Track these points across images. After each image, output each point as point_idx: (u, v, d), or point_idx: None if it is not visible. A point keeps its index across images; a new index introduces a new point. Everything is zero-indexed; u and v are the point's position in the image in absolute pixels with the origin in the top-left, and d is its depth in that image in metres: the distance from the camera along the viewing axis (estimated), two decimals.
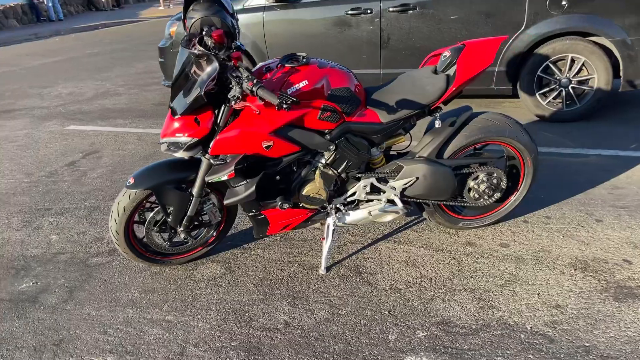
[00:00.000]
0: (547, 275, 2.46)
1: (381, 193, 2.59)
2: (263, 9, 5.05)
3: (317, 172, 2.43)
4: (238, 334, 2.21)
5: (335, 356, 2.06)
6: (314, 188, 2.43)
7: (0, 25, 16.23)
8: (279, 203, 2.40)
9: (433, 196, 2.60)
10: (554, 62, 4.42)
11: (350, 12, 4.75)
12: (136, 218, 2.51)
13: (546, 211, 3.04)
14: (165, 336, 2.22)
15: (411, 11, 4.59)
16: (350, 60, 4.92)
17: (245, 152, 2.25)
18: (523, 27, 4.38)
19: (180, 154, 2.27)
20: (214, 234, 2.71)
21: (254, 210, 2.45)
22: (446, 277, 2.50)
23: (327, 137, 2.35)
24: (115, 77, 8.15)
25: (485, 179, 2.66)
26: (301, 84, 2.22)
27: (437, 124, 2.53)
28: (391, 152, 2.70)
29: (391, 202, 2.61)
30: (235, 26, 2.36)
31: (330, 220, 2.61)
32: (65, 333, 2.28)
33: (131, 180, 2.37)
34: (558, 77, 4.43)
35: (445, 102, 2.55)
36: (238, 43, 2.27)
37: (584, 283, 2.38)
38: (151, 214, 2.47)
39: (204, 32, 2.19)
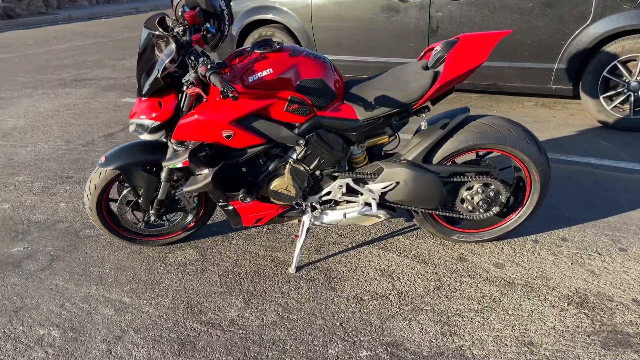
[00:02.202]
0: (534, 306, 2.16)
1: (359, 195, 2.40)
2: None
3: (287, 167, 2.29)
4: (181, 325, 2.16)
5: None
6: (282, 184, 2.30)
7: None
8: (240, 196, 2.30)
9: (417, 204, 2.37)
10: (623, 63, 3.89)
11: None
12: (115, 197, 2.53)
13: (565, 232, 2.68)
14: (113, 317, 2.22)
15: None
16: (396, 48, 4.66)
17: (204, 140, 2.16)
18: (589, 21, 3.89)
19: (145, 137, 2.24)
20: (193, 219, 2.67)
21: (221, 201, 2.36)
22: (418, 294, 2.28)
23: (296, 131, 2.20)
24: None
25: (480, 190, 2.38)
26: (264, 72, 2.09)
27: (423, 125, 2.29)
28: (377, 152, 2.49)
29: (370, 205, 2.41)
30: (224, 9, 2.27)
31: (305, 219, 2.47)
32: (28, 301, 2.35)
33: (103, 159, 2.38)
34: (627, 80, 3.90)
35: (433, 102, 2.30)
36: (208, 26, 2.17)
37: (573, 321, 2.07)
38: (124, 193, 2.48)
39: (179, 13, 2.14)
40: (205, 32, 2.17)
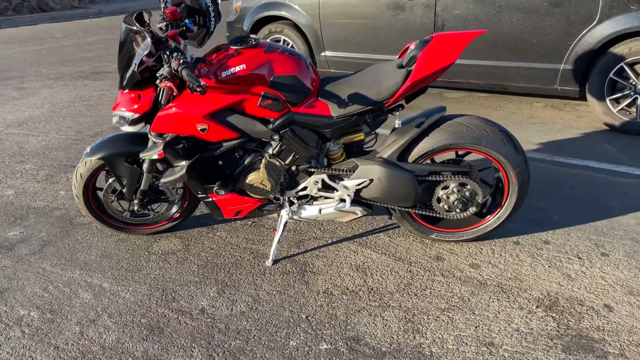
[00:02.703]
0: (501, 307, 2.16)
1: (335, 191, 2.43)
2: None
3: (263, 161, 2.33)
4: (153, 311, 2.23)
5: (226, 352, 1.99)
6: (258, 178, 2.34)
7: None
8: (215, 189, 2.36)
9: (392, 201, 2.38)
10: (631, 65, 3.80)
11: None
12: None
13: (548, 235, 2.65)
14: (90, 302, 2.31)
15: None
16: (402, 46, 4.65)
17: (180, 133, 2.22)
18: (596, 21, 3.82)
19: (126, 128, 2.31)
20: (178, 210, 2.74)
21: (199, 193, 2.42)
22: (388, 290, 2.30)
23: (271, 126, 2.24)
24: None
25: (455, 190, 2.38)
26: (237, 68, 2.13)
27: (397, 123, 2.30)
28: (356, 149, 2.51)
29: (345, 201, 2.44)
30: (209, 5, 2.33)
31: (283, 213, 2.51)
32: (15, 283, 2.46)
33: (88, 149, 2.47)
34: (634, 82, 3.81)
35: (408, 100, 2.31)
36: (187, 22, 2.23)
37: (539, 324, 2.06)
38: (109, 182, 2.56)
39: (162, 6, 2.21)
40: (184, 28, 2.24)
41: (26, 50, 9.00)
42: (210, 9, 2.40)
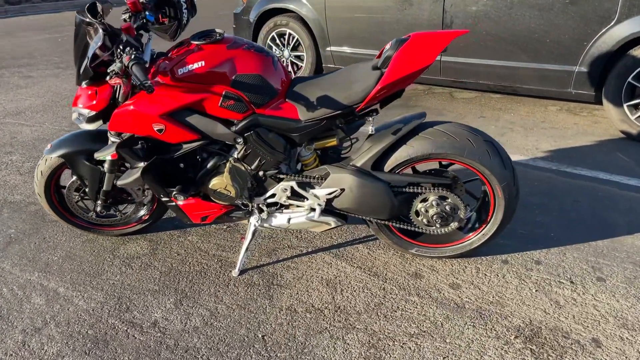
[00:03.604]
0: (476, 335, 1.96)
1: (305, 200, 2.26)
2: None
3: (227, 165, 2.17)
4: (103, 322, 2.10)
5: None
6: (222, 183, 2.18)
7: None
8: (174, 193, 2.21)
9: (365, 213, 2.20)
10: None
11: None
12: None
13: (541, 254, 2.43)
14: (41, 308, 2.19)
15: None
16: None
17: (135, 133, 2.08)
18: (614, 21, 3.53)
19: (84, 126, 2.18)
20: (147, 212, 2.60)
21: (162, 197, 2.28)
22: (356, 310, 2.12)
23: (234, 128, 2.08)
24: None
25: (434, 203, 2.18)
26: (195, 65, 1.97)
27: (370, 130, 2.11)
28: (332, 154, 2.33)
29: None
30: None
31: (252, 220, 2.35)
32: None
33: (49, 146, 2.35)
34: None
35: (383, 104, 2.12)
36: (147, 14, 2.08)
37: (514, 357, 1.85)
38: (71, 180, 2.44)
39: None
40: (144, 21, 2.09)
41: (43, 38, 9.03)
42: (182, 0, 2.24)
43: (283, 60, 5.28)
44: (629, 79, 3.59)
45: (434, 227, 2.24)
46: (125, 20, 2.12)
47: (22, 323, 2.10)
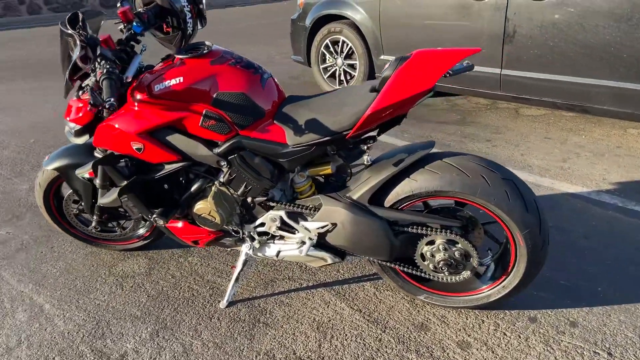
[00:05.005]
0: None
1: (296, 232, 2.02)
2: None
3: (213, 189, 1.99)
4: (73, 348, 1.98)
5: None
6: (206, 208, 2.00)
7: None
8: (154, 216, 2.05)
9: (361, 252, 1.93)
10: None
11: None
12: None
13: (580, 313, 2.03)
14: (21, 325, 2.12)
15: None
16: None
17: (115, 150, 1.95)
18: None
19: (72, 140, 2.08)
20: (148, 229, 2.49)
21: (149, 217, 2.14)
22: None
23: (217, 150, 1.89)
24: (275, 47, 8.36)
25: (442, 247, 1.86)
26: (173, 81, 1.80)
27: (366, 159, 1.84)
28: (333, 182, 2.08)
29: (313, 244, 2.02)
30: (184, 6, 2.04)
31: (243, 248, 2.16)
32: None
33: (47, 157, 2.29)
34: None
35: (381, 131, 1.83)
36: (134, 25, 1.94)
37: None
38: (68, 193, 2.37)
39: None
40: (132, 32, 1.96)
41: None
42: (186, 9, 2.09)
43: (336, 69, 5.06)
44: None
45: (442, 274, 1.92)
46: (121, 30, 2.01)
47: None
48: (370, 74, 4.84)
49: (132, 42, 2.00)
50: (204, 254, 2.55)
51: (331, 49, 5.04)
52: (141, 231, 2.50)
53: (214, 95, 1.81)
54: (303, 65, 5.46)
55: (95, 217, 2.33)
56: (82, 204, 2.33)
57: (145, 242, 2.53)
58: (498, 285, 1.94)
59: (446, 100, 4.92)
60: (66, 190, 2.42)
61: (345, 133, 1.75)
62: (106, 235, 2.53)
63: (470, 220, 1.90)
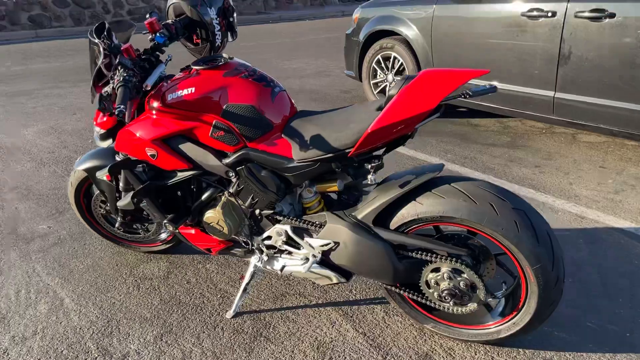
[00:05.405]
0: None
1: (301, 248, 2.00)
2: (435, 1, 4.38)
3: (222, 199, 2.01)
4: (82, 344, 2.05)
5: None
6: (214, 217, 2.03)
7: (322, 1, 18.38)
8: (165, 221, 2.10)
9: (364, 273, 1.88)
10: None
11: (527, 13, 3.71)
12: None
13: (602, 359, 1.87)
14: (40, 317, 2.23)
15: (607, 19, 3.31)
16: (518, 74, 3.89)
17: (132, 155, 2.02)
18: None
19: (98, 143, 2.18)
20: (169, 233, 2.55)
21: (162, 222, 2.19)
22: None
23: (225, 160, 1.91)
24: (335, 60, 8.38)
25: (447, 276, 1.78)
26: (185, 92, 1.85)
27: (370, 179, 1.79)
28: (344, 199, 2.04)
29: (317, 261, 1.99)
30: (213, 18, 2.11)
31: (252, 260, 2.17)
32: (1, 278, 2.51)
33: (78, 159, 2.41)
34: None
35: (387, 150, 1.78)
36: (157, 35, 2.01)
37: None
38: (96, 193, 2.48)
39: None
40: (155, 43, 2.03)
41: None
42: (215, 22, 2.14)
43: (386, 85, 5.01)
44: None
45: (447, 304, 1.83)
46: (150, 40, 2.09)
47: (16, 329, 2.15)
48: None
49: (157, 52, 2.07)
50: (222, 262, 2.58)
51: (382, 64, 5.00)
52: (163, 235, 2.56)
53: (224, 107, 1.83)
54: (356, 80, 5.45)
55: (119, 218, 2.42)
56: (108, 204, 2.42)
57: (168, 245, 2.59)
58: (508, 321, 1.82)
59: (498, 122, 4.74)
60: (96, 191, 2.52)
61: (347, 151, 1.71)
62: (131, 237, 2.61)
63: (481, 250, 1.80)
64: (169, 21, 2.09)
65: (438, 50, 4.40)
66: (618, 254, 2.53)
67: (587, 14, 3.38)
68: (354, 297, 2.28)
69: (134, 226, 2.53)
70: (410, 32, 4.59)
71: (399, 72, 4.87)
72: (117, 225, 2.41)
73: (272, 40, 11.02)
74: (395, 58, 4.84)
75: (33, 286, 2.44)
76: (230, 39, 2.23)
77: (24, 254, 2.73)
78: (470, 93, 1.64)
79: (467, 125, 4.69)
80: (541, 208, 3.03)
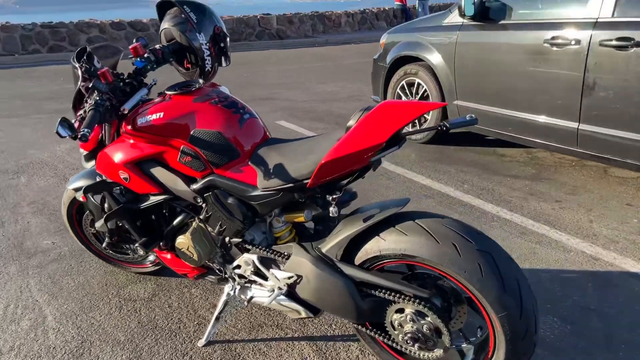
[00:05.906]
0: None
1: (268, 279, 1.94)
2: (459, 27, 4.28)
3: (193, 225, 1.99)
4: None
5: None
6: (185, 243, 2.00)
7: (370, 25, 18.45)
8: (136, 245, 2.09)
9: (328, 309, 1.79)
10: None
11: (551, 40, 3.56)
12: None
13: None
14: (19, 334, 2.25)
15: (634, 48, 3.12)
16: (541, 104, 3.72)
17: (108, 177, 2.03)
18: None
19: (83, 164, 2.22)
20: (156, 256, 2.55)
21: (134, 245, 2.19)
22: None
23: (193, 186, 1.89)
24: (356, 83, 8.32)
25: (409, 319, 1.67)
26: (153, 116, 1.85)
27: (331, 212, 1.71)
28: (319, 229, 1.97)
29: (284, 293, 1.93)
30: (202, 43, 2.12)
31: (226, 288, 2.12)
32: None
33: (70, 179, 2.46)
34: None
35: (350, 181, 1.70)
36: (138, 60, 2.03)
37: None
38: (86, 213, 2.51)
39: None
40: (135, 67, 2.05)
41: (235, 73, 10.00)
42: (205, 47, 2.15)
43: None
44: None
45: (412, 348, 1.71)
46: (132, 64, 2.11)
47: None
48: (443, 118, 4.63)
49: (140, 77, 2.09)
50: (208, 288, 2.54)
51: (407, 90, 4.91)
52: (152, 257, 2.56)
53: (191, 132, 1.81)
54: None
55: (106, 238, 2.44)
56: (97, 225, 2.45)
57: (156, 268, 2.59)
58: None
59: (526, 152, 4.54)
60: (86, 210, 2.56)
61: (306, 182, 1.65)
62: (121, 257, 2.63)
63: (452, 292, 1.68)
64: (157, 46, 2.10)
65: (461, 77, 4.29)
66: (629, 302, 2.33)
67: (613, 43, 3.20)
68: (332, 332, 2.19)
69: (123, 247, 2.54)
70: (434, 58, 4.50)
71: (423, 98, 4.77)
72: (104, 245, 2.43)
73: (315, 63, 11.12)
74: (419, 84, 4.75)
75: (22, 301, 2.48)
76: (224, 64, 2.22)
77: (23, 268, 2.79)
78: (448, 125, 1.55)
79: (492, 154, 4.52)
80: (552, 246, 2.84)
